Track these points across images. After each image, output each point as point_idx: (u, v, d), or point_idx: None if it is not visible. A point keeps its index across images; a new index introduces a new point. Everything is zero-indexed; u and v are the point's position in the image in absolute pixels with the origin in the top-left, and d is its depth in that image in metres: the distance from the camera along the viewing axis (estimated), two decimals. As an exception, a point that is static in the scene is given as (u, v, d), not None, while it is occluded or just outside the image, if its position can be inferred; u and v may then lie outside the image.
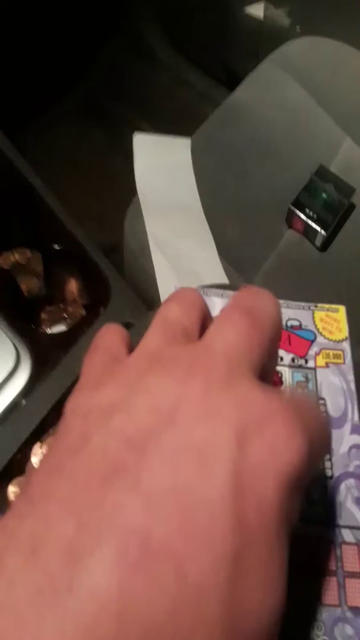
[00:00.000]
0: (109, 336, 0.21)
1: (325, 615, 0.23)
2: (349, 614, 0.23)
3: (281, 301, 0.33)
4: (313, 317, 0.32)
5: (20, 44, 1.05)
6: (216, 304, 0.32)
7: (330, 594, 0.23)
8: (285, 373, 0.30)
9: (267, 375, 0.19)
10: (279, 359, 0.31)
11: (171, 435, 0.15)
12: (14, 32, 1.02)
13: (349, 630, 0.22)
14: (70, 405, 0.18)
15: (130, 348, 0.21)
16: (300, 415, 0.17)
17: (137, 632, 0.13)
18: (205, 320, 0.21)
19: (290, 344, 0.31)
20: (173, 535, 0.14)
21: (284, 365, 0.31)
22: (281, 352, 0.31)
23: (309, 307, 0.33)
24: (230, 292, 0.33)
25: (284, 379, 0.30)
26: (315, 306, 0.33)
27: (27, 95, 1.08)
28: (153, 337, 0.20)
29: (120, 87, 1.15)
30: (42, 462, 0.17)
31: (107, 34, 1.17)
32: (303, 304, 0.33)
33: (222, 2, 0.92)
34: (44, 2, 1.02)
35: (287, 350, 0.31)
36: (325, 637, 0.22)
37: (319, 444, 0.17)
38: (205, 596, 0.14)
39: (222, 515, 0.14)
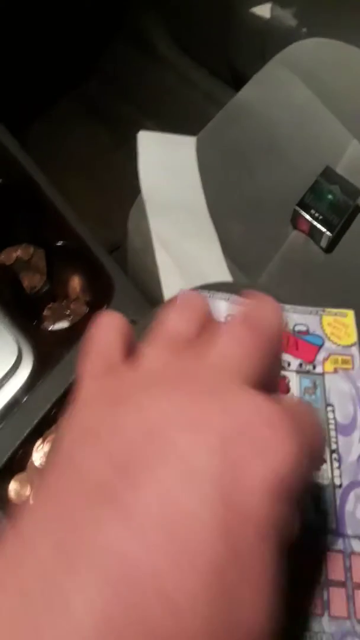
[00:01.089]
0: (104, 336, 0.20)
1: (333, 628, 0.22)
2: (358, 627, 0.22)
3: (288, 306, 0.32)
4: (321, 322, 0.31)
5: (27, 43, 1.05)
6: (222, 308, 0.32)
7: (339, 606, 0.22)
8: (293, 379, 0.30)
9: (270, 384, 0.19)
10: (286, 365, 0.30)
11: (156, 450, 0.15)
12: (20, 32, 1.02)
13: None
14: (65, 423, 0.17)
15: (129, 345, 0.20)
16: (292, 419, 0.16)
17: None
18: (209, 325, 0.20)
19: (297, 349, 0.31)
20: (156, 555, 0.13)
21: (291, 371, 0.30)
22: (288, 358, 0.30)
23: (317, 312, 0.32)
24: (235, 297, 0.32)
25: (291, 384, 0.30)
26: (323, 311, 0.32)
27: (32, 93, 1.08)
28: (150, 351, 0.19)
29: (125, 86, 1.15)
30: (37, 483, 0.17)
31: (112, 33, 1.17)
32: (311, 308, 0.32)
33: (228, 2, 0.92)
34: (50, 1, 1.02)
35: (295, 356, 0.30)
36: None
37: (312, 450, 0.17)
38: (190, 616, 0.13)
39: (205, 530, 0.14)
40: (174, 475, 0.14)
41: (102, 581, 0.13)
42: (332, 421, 0.27)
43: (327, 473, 0.26)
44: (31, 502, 0.16)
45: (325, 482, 0.26)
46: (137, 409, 0.16)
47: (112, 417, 0.16)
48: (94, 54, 1.17)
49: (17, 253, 0.53)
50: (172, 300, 0.21)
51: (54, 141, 1.09)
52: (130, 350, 0.20)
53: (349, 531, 0.24)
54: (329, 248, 0.64)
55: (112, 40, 1.17)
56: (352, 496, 0.25)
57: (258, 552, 0.14)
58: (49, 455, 0.17)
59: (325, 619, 0.22)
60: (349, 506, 0.25)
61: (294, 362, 0.30)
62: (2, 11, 0.95)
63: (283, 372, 0.30)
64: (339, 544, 0.24)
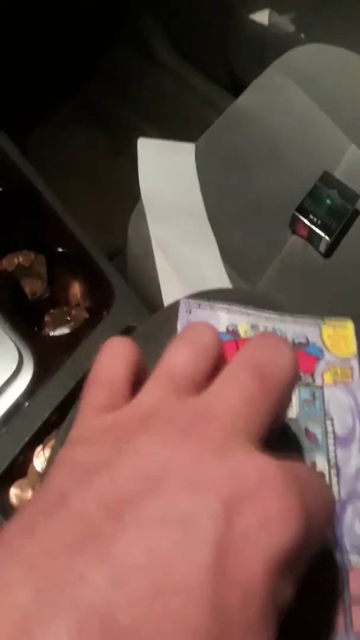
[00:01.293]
0: (110, 365, 0.19)
1: None
2: None
3: (288, 316, 0.32)
4: (321, 333, 0.31)
5: (26, 48, 1.06)
6: (222, 320, 0.31)
7: (336, 620, 0.22)
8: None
9: (275, 421, 0.18)
10: None
11: (154, 504, 0.14)
12: (19, 37, 1.02)
13: None
14: (59, 457, 0.17)
15: (136, 375, 0.19)
16: (299, 486, 0.15)
17: None
18: (218, 363, 0.19)
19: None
20: (140, 619, 0.12)
21: None
22: None
23: (317, 323, 0.32)
24: (236, 308, 0.32)
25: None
26: (323, 321, 0.32)
27: (31, 98, 1.08)
28: (153, 391, 0.18)
29: (125, 91, 1.15)
30: (18, 515, 0.15)
31: (112, 39, 1.17)
32: (310, 319, 0.32)
33: (227, 8, 0.93)
34: (49, 6, 1.02)
35: None
36: None
37: (319, 518, 0.16)
38: None
39: (199, 602, 0.13)
40: (170, 538, 0.14)
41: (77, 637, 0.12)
42: (331, 435, 0.27)
43: None
44: (14, 532, 0.14)
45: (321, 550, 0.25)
46: (134, 452, 0.15)
47: (109, 457, 0.16)
48: (93, 59, 1.18)
49: (18, 259, 0.53)
50: (181, 336, 0.20)
51: (54, 146, 1.09)
52: (137, 381, 0.19)
53: (347, 546, 0.24)
54: (328, 253, 0.65)
55: (112, 45, 1.18)
56: (350, 510, 0.25)
57: (255, 628, 0.13)
58: (40, 486, 0.16)
59: None
60: (347, 520, 0.25)
61: None
62: (1, 17, 0.96)
63: None
64: (337, 559, 0.24)
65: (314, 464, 0.26)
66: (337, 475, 0.26)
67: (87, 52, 1.16)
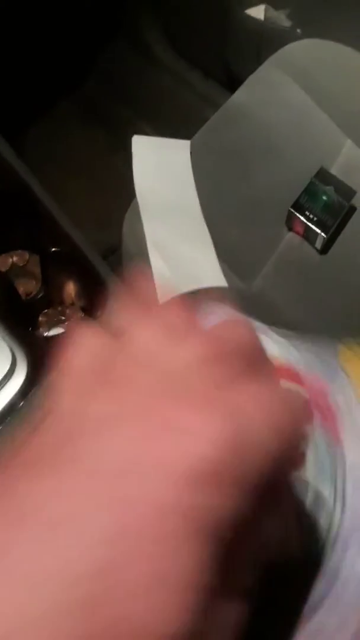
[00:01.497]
0: (77, 358, 0.19)
1: None
2: None
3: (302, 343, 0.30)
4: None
5: (21, 46, 1.05)
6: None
7: None
8: None
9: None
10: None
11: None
12: (15, 34, 1.02)
13: None
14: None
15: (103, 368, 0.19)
16: (228, 403, 0.15)
17: None
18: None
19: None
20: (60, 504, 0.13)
21: None
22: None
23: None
24: (228, 309, 0.30)
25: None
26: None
27: (27, 97, 1.08)
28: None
29: (121, 89, 1.15)
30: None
31: (108, 36, 1.17)
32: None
33: (223, 4, 0.92)
34: (45, 4, 1.02)
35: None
36: None
37: (261, 432, 0.15)
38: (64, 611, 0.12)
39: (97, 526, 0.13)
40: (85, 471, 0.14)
41: None
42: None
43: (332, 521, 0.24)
44: None
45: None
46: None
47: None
48: (91, 56, 1.18)
49: (12, 259, 0.53)
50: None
51: (51, 143, 1.09)
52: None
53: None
54: (324, 249, 0.65)
55: (110, 43, 1.18)
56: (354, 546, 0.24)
57: (169, 544, 0.13)
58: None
59: None
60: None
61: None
62: (0, 15, 0.95)
63: None
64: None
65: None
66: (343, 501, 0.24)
67: (86, 50, 1.16)
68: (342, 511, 0.24)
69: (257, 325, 0.29)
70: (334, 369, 0.27)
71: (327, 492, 0.24)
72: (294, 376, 0.27)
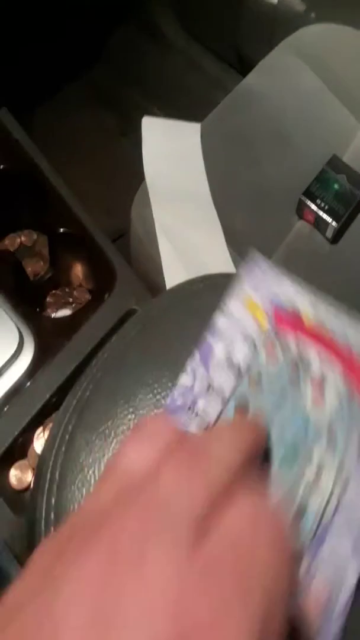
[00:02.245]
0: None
1: None
2: None
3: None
4: None
5: (33, 28, 1.04)
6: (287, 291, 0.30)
7: None
8: None
9: None
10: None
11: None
12: (26, 16, 1.01)
13: None
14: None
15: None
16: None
17: None
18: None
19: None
20: None
21: None
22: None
23: None
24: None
25: None
26: None
27: (36, 78, 1.07)
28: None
29: (131, 71, 1.14)
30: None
31: (119, 18, 1.15)
32: None
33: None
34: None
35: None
36: None
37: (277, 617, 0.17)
38: None
39: None
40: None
41: None
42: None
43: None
44: None
45: None
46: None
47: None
48: (101, 38, 1.16)
49: (20, 239, 0.52)
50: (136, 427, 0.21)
51: (59, 126, 1.08)
52: None
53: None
54: (335, 238, 0.64)
55: (119, 25, 1.16)
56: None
57: None
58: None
59: None
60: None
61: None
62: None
63: None
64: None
65: (320, 467, 0.25)
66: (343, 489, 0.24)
67: (95, 32, 1.14)
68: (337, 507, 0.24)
69: (290, 282, 0.30)
70: None
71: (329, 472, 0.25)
72: (328, 343, 0.28)
